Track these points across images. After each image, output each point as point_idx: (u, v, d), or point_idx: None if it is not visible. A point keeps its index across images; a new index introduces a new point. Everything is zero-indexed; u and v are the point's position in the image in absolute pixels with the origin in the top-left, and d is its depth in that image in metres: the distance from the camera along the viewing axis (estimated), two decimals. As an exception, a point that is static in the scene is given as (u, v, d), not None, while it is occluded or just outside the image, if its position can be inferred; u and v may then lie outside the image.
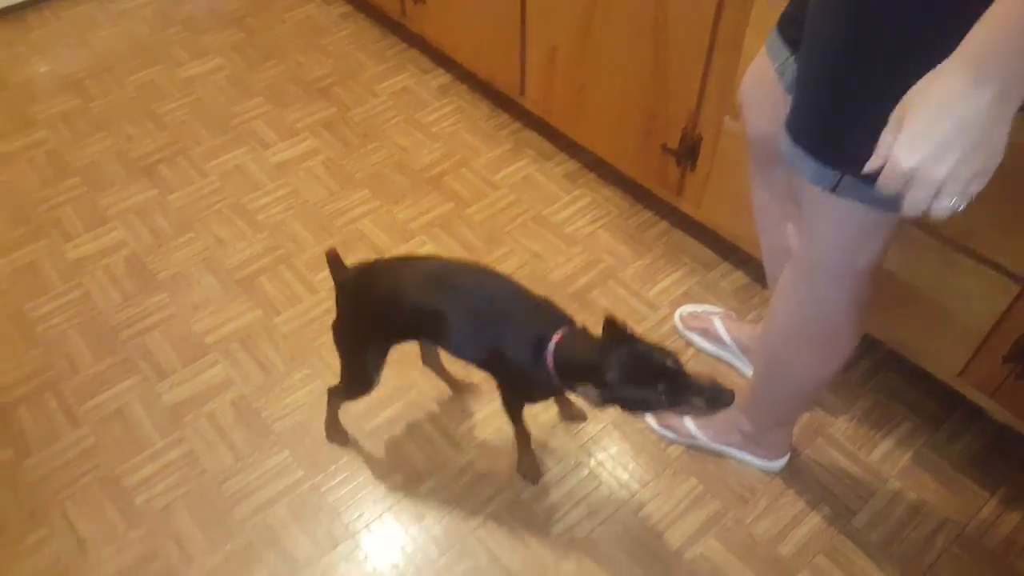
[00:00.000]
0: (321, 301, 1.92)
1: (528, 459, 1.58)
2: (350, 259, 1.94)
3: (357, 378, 1.49)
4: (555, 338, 1.24)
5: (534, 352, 1.24)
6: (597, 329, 1.20)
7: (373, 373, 1.46)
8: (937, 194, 0.76)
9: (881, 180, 0.79)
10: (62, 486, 1.59)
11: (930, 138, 0.73)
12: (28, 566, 1.48)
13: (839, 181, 0.97)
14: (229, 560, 1.48)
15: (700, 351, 1.81)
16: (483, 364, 1.38)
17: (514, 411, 1.48)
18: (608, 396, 1.16)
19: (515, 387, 1.40)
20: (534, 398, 1.42)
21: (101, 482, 1.60)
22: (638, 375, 1.14)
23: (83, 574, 1.47)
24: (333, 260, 1.41)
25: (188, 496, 1.58)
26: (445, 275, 1.36)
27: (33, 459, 1.64)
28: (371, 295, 1.37)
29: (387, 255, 2.01)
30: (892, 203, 0.97)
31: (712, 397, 1.13)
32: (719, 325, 1.77)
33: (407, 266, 1.43)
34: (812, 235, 1.12)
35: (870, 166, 0.80)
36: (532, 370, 1.25)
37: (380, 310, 1.37)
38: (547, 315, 1.30)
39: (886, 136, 0.78)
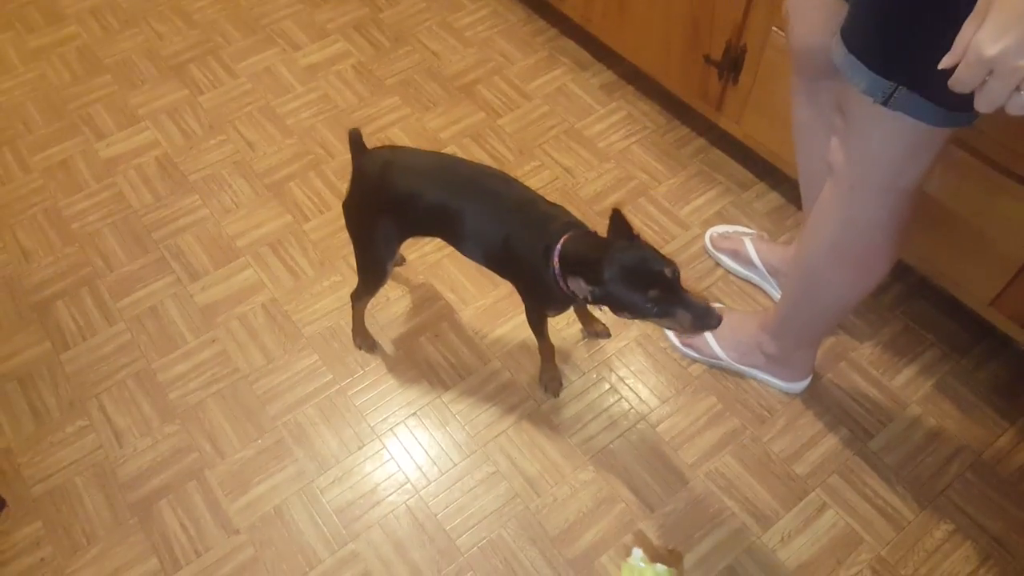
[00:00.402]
0: (350, 208, 1.92)
1: (550, 372, 1.60)
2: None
3: (370, 266, 1.50)
4: (564, 238, 1.23)
5: (544, 252, 1.24)
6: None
7: (385, 262, 1.47)
8: (1019, 87, 0.74)
9: (958, 73, 0.77)
10: (99, 379, 1.65)
11: (1018, 26, 0.71)
12: (67, 455, 1.56)
13: (892, 93, 0.95)
14: (260, 455, 1.54)
15: (729, 272, 1.80)
16: (496, 266, 1.39)
17: (537, 324, 1.50)
18: (598, 294, 1.15)
19: (530, 292, 1.41)
20: (550, 306, 1.42)
21: (136, 377, 1.66)
22: (633, 278, 1.13)
23: (120, 465, 1.54)
24: (355, 139, 1.38)
25: (221, 393, 1.63)
26: (466, 175, 1.35)
27: (71, 353, 1.70)
28: (389, 187, 1.35)
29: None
30: (945, 116, 0.96)
31: (699, 316, 1.13)
32: (750, 247, 1.76)
33: (428, 161, 1.41)
34: (857, 151, 1.09)
35: (947, 61, 0.77)
36: (542, 269, 1.25)
37: (397, 203, 1.36)
38: (561, 219, 1.29)
39: (967, 28, 0.75)
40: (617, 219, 1.15)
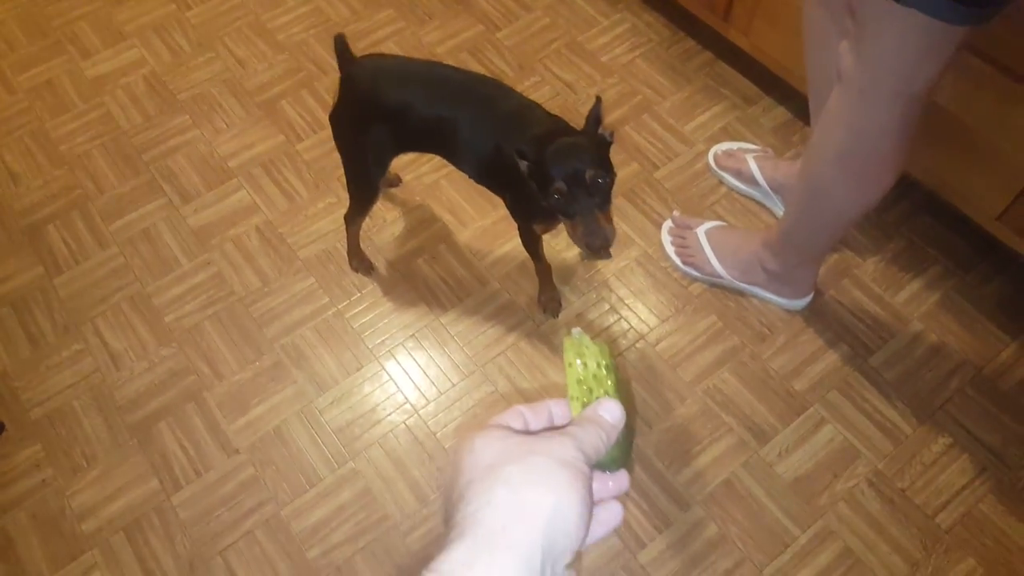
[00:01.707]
0: (344, 127, 1.87)
1: (549, 293, 1.59)
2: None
3: (360, 183, 1.47)
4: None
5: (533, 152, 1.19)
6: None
7: (376, 179, 1.43)
8: None
9: None
10: (93, 303, 1.64)
11: None
12: (64, 378, 1.55)
13: None
14: (258, 376, 1.54)
15: (732, 190, 1.76)
16: (488, 178, 1.36)
17: (531, 244, 1.47)
18: (530, 168, 1.15)
19: (517, 203, 1.37)
20: (536, 218, 1.36)
21: (131, 300, 1.64)
22: (558, 165, 1.11)
23: (117, 387, 1.54)
24: (341, 47, 1.32)
25: (217, 316, 1.62)
26: (460, 83, 1.30)
27: (64, 277, 1.68)
28: (379, 98, 1.30)
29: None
30: (960, 13, 0.92)
31: (588, 232, 1.12)
32: (753, 165, 1.71)
33: (420, 70, 1.35)
34: (869, 52, 1.05)
35: None
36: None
37: (388, 115, 1.31)
38: (558, 126, 1.24)
39: None
40: (592, 109, 1.14)
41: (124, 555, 1.36)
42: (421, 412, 1.50)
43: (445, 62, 1.97)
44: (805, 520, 1.36)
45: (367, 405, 1.51)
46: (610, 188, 1.14)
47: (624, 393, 0.53)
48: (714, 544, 1.35)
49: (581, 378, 0.58)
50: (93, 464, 1.45)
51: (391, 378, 1.54)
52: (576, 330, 0.61)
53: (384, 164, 1.41)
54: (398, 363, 1.56)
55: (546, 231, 1.43)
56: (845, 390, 1.49)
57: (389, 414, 1.49)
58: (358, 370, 1.55)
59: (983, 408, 1.47)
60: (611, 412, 0.54)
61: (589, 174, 1.10)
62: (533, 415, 0.55)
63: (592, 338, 0.60)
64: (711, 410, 1.48)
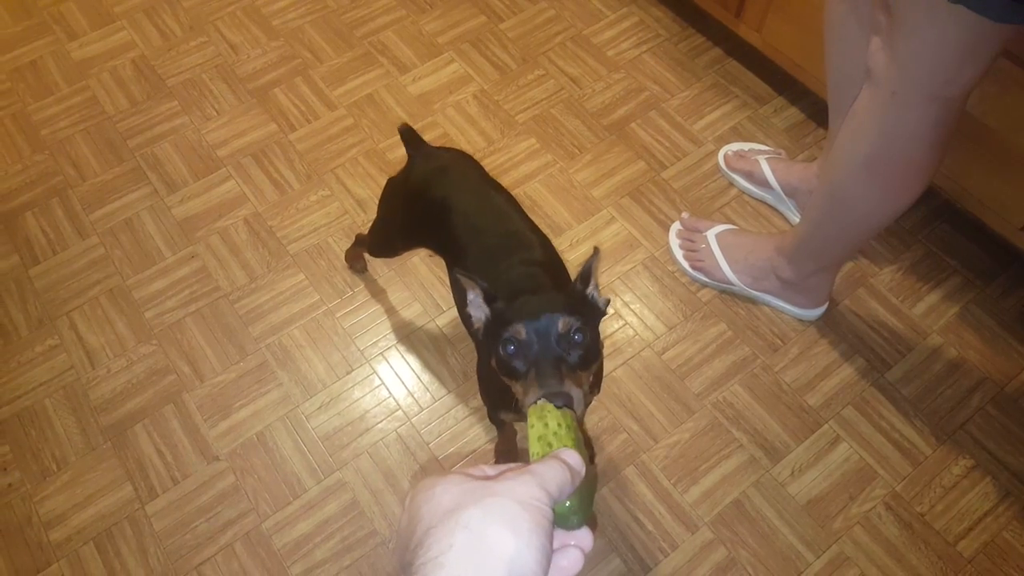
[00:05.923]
0: (339, 119, 1.79)
1: (507, 447, 1.35)
2: (371, 74, 1.81)
3: (380, 244, 1.41)
4: None
5: None
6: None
7: (397, 251, 1.43)
8: None
9: None
10: (70, 296, 1.55)
11: None
12: (36, 375, 1.47)
13: None
14: (242, 378, 1.46)
15: (743, 192, 1.69)
16: (467, 321, 1.10)
17: (496, 419, 1.23)
18: (488, 315, 0.89)
19: (480, 371, 1.13)
20: (498, 401, 1.07)
21: (110, 294, 1.56)
22: (521, 312, 0.83)
23: (92, 386, 1.45)
24: (408, 135, 1.22)
25: (200, 313, 1.53)
26: (495, 216, 1.12)
27: (40, 267, 1.59)
28: (426, 194, 1.17)
29: (412, 72, 1.87)
30: (1014, 10, 0.84)
31: (546, 388, 0.73)
32: (765, 167, 1.64)
33: (479, 188, 1.17)
34: (904, 52, 0.97)
35: None
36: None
37: (424, 212, 1.18)
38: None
39: None
40: (587, 262, 0.90)
41: (94, 568, 1.28)
42: (414, 420, 1.41)
43: (446, 52, 1.90)
44: (819, 545, 1.29)
45: (356, 411, 1.42)
46: (590, 358, 0.82)
47: (585, 453, 0.48)
48: (723, 569, 1.27)
49: (542, 435, 0.60)
50: (64, 468, 1.37)
51: (383, 383, 1.46)
52: (540, 399, 0.65)
53: (407, 246, 1.36)
54: (391, 367, 1.47)
55: (510, 418, 1.14)
56: (861, 406, 1.42)
57: (380, 421, 1.41)
58: (348, 373, 1.47)
59: (1006, 429, 1.40)
60: (572, 458, 0.53)
61: (563, 322, 0.80)
62: (494, 470, 0.54)
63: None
64: (720, 425, 1.40)
